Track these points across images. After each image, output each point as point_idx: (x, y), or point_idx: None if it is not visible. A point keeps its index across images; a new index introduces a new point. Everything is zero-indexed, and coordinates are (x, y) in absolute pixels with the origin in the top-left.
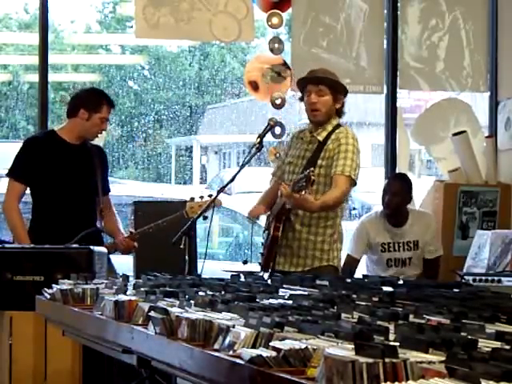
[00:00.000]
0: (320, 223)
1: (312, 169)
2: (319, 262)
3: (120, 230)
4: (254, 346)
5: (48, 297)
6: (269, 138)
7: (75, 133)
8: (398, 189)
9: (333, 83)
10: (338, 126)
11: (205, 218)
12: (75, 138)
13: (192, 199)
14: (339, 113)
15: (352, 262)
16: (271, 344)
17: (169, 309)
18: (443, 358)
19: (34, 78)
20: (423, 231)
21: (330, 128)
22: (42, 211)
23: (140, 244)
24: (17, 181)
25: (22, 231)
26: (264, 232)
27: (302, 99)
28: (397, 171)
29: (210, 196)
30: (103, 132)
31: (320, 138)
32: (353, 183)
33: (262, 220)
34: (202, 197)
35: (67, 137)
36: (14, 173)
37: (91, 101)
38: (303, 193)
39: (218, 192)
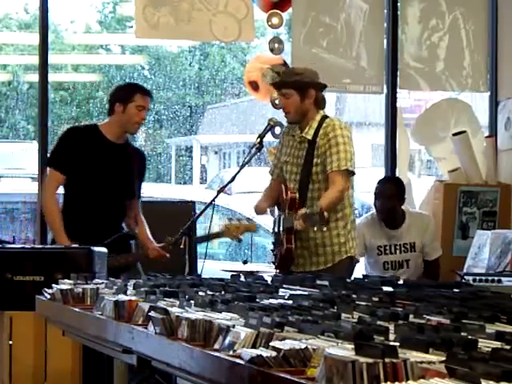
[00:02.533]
0: (331, 218)
1: (321, 206)
2: (339, 255)
3: (151, 237)
4: (254, 346)
5: (48, 297)
6: (269, 138)
7: (115, 128)
8: (388, 192)
9: (294, 84)
10: (324, 118)
11: (239, 240)
12: (116, 134)
13: (230, 219)
14: (318, 104)
15: None
16: (271, 344)
17: (169, 309)
18: (443, 358)
19: (34, 78)
20: (421, 233)
21: (315, 125)
22: (74, 205)
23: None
24: (57, 170)
25: (58, 224)
26: (272, 233)
27: None
28: (397, 171)
29: (249, 220)
30: (143, 122)
31: (309, 136)
32: (350, 174)
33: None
34: (239, 219)
35: (108, 133)
36: (54, 162)
37: (123, 93)
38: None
39: (218, 192)
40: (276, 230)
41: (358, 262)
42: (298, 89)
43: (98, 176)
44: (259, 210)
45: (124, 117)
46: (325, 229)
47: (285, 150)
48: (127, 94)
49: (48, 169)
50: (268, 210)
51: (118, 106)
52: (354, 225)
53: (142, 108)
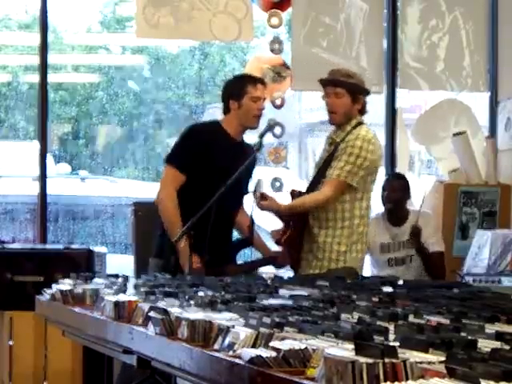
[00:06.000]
0: (337, 225)
1: (259, 179)
2: (335, 263)
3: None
4: (253, 346)
5: (48, 297)
6: (269, 138)
7: (235, 126)
8: (396, 185)
9: (351, 85)
10: (358, 125)
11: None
12: (237, 130)
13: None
14: (362, 112)
15: None
16: (271, 344)
17: (169, 309)
18: (443, 358)
19: (34, 78)
20: (423, 229)
21: (348, 128)
22: (193, 204)
23: (140, 244)
24: (179, 170)
25: (176, 225)
26: None
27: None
28: (397, 171)
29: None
30: (262, 113)
31: (338, 139)
32: (346, 186)
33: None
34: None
35: (230, 130)
36: (177, 161)
37: (234, 88)
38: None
39: (218, 192)
40: None
41: (358, 274)
42: (351, 91)
43: (221, 176)
44: None
45: (241, 112)
46: (329, 238)
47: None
48: (238, 88)
49: (166, 167)
50: None
51: (233, 103)
52: (362, 237)
53: (256, 99)
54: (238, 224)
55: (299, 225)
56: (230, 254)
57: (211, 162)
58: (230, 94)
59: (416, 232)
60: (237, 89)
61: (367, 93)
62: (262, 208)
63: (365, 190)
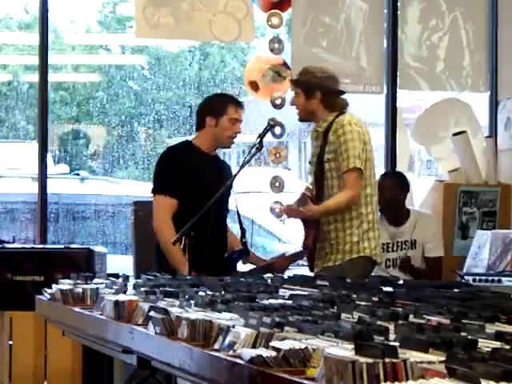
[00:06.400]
0: (345, 217)
1: (307, 187)
2: (349, 254)
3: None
4: (253, 346)
5: (48, 297)
6: (269, 138)
7: (209, 142)
8: (390, 184)
9: (302, 83)
10: (339, 115)
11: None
12: (209, 146)
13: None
14: (327, 106)
15: None
16: (271, 344)
17: (169, 309)
18: (443, 358)
19: (34, 78)
20: (423, 231)
21: (330, 118)
22: (180, 222)
23: (140, 244)
24: (168, 196)
25: (179, 255)
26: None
27: None
28: (397, 171)
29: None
30: (237, 136)
31: (321, 129)
32: (361, 172)
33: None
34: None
35: (202, 145)
36: (164, 188)
37: (214, 106)
38: (301, 208)
39: (219, 192)
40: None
41: (378, 263)
42: (304, 88)
43: (204, 191)
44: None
45: (217, 131)
46: (340, 232)
47: (311, 151)
48: (219, 106)
49: (156, 196)
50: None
51: (210, 120)
52: (373, 225)
53: (235, 121)
54: (229, 243)
55: (317, 224)
56: (229, 264)
57: (191, 180)
58: (209, 110)
59: (406, 263)
60: (217, 106)
61: (329, 89)
62: (298, 216)
63: (366, 176)
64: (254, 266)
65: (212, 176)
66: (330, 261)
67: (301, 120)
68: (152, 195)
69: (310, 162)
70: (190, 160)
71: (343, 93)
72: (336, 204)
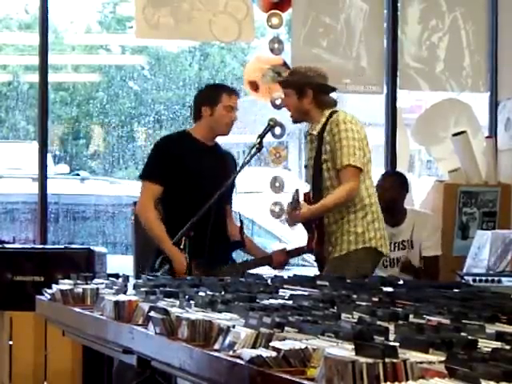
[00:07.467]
0: (350, 210)
1: (296, 189)
2: (355, 245)
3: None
4: (253, 346)
5: (48, 297)
6: (269, 138)
7: (206, 131)
8: (390, 184)
9: (292, 83)
10: (332, 114)
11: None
12: (207, 136)
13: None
14: (319, 105)
15: None
16: (271, 344)
17: (169, 309)
18: (443, 358)
19: (34, 78)
20: (419, 230)
21: (323, 120)
22: (176, 214)
23: (140, 243)
24: (152, 182)
25: (162, 233)
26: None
27: None
28: (397, 171)
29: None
30: (233, 122)
31: (315, 132)
32: (358, 169)
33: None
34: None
35: (200, 136)
36: (149, 174)
37: (208, 96)
38: (297, 212)
39: (218, 192)
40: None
41: (385, 255)
42: (296, 88)
43: (198, 180)
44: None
45: (212, 119)
46: (345, 225)
47: (306, 155)
48: (213, 95)
49: (142, 182)
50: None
51: (205, 110)
52: (377, 215)
53: (230, 108)
54: (230, 233)
55: (319, 223)
56: (225, 254)
57: (183, 168)
58: (203, 101)
59: (408, 265)
60: (211, 96)
61: (320, 86)
62: (294, 220)
63: (365, 171)
64: (252, 258)
65: (209, 164)
66: (336, 252)
67: (294, 121)
68: (139, 180)
69: (305, 166)
70: (182, 148)
71: (335, 89)
72: (336, 199)
